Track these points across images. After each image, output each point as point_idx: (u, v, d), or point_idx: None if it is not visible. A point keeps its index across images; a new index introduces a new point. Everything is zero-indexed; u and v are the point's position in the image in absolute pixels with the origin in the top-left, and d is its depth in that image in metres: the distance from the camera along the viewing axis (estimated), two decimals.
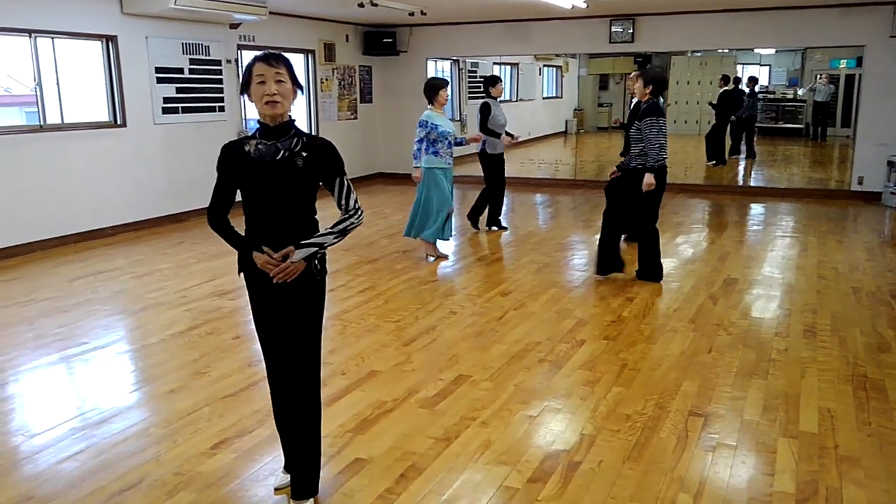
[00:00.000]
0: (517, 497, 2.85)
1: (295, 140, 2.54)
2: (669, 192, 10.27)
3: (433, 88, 6.46)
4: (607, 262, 5.94)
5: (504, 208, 8.22)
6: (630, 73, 7.28)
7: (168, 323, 4.98)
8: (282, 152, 2.51)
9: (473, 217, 7.91)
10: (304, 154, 2.53)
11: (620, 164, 6.09)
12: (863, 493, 2.87)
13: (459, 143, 6.69)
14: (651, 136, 5.53)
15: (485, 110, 7.53)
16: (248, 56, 9.53)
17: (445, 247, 7.04)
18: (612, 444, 3.26)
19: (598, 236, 6.10)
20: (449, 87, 6.72)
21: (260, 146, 2.52)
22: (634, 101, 6.93)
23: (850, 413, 3.56)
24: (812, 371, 4.08)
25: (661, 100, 6.01)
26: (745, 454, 3.17)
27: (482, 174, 7.78)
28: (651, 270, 5.87)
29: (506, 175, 7.87)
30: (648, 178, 5.53)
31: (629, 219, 6.04)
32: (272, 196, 2.53)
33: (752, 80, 13.53)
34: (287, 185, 2.52)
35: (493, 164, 7.68)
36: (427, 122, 6.35)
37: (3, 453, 3.26)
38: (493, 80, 7.70)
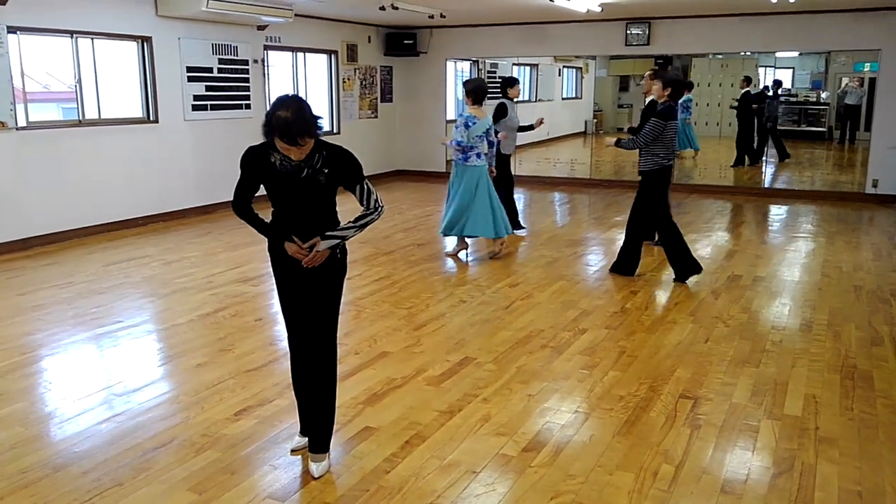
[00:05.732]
0: (512, 463, 3.11)
1: (316, 157, 2.74)
2: (683, 191, 10.56)
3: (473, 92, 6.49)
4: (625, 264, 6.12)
5: (520, 206, 8.42)
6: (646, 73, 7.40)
7: (195, 305, 5.30)
8: (305, 170, 2.74)
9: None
10: (326, 171, 2.75)
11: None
12: (836, 469, 3.08)
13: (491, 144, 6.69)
14: (645, 136, 5.68)
15: (500, 110, 7.55)
16: (274, 56, 9.87)
17: (450, 242, 7.20)
18: (604, 421, 3.50)
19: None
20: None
21: (285, 162, 2.72)
22: (648, 100, 7.07)
23: (834, 400, 3.76)
24: (803, 361, 4.28)
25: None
26: (728, 433, 3.40)
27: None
28: (685, 267, 5.90)
29: (523, 174, 8.01)
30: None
31: (650, 223, 6.09)
32: (297, 204, 2.81)
33: (776, 84, 13.58)
34: (311, 197, 2.79)
35: (505, 164, 7.84)
36: (466, 122, 6.39)
37: (47, 414, 3.59)
38: (511, 82, 7.83)
